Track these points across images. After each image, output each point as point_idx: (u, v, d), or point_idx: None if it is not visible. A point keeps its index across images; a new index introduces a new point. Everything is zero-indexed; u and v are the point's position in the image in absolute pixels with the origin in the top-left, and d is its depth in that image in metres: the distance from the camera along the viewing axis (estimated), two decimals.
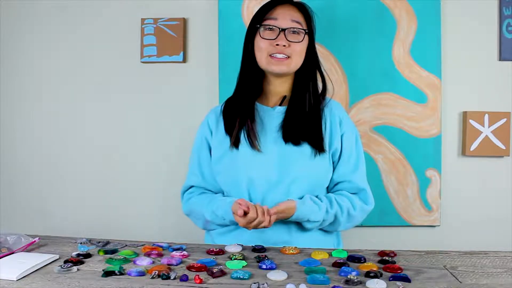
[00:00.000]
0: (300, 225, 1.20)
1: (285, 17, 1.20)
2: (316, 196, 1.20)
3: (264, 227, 1.10)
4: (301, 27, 1.21)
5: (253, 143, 1.19)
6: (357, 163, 1.26)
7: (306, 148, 1.20)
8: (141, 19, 1.65)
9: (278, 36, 1.19)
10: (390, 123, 1.61)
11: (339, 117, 1.26)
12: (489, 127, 1.60)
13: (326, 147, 1.21)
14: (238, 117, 1.22)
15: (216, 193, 1.29)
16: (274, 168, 1.19)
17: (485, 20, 1.61)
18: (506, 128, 1.59)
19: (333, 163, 1.25)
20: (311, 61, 1.26)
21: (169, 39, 1.64)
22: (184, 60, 1.66)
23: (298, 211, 1.14)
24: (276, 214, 1.11)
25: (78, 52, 1.70)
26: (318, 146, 1.20)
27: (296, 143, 1.19)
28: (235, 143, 1.21)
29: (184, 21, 1.66)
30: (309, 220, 1.17)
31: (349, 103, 1.61)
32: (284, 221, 1.17)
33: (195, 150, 1.32)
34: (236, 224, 1.20)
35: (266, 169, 1.19)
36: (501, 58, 1.60)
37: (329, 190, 1.28)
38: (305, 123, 1.21)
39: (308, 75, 1.25)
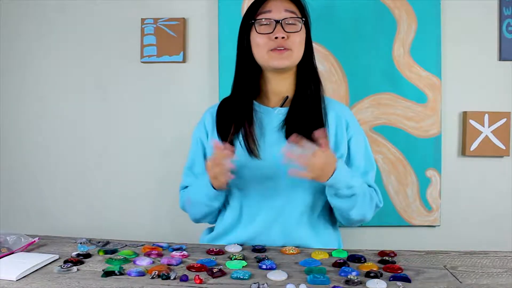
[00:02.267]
0: (292, 224, 1.15)
1: (278, 8, 1.15)
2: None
3: None
4: (296, 16, 1.16)
5: (251, 149, 1.14)
6: (367, 168, 1.21)
7: None
8: (141, 19, 1.65)
9: (274, 28, 1.13)
10: (390, 123, 1.61)
11: (346, 120, 1.21)
12: (489, 127, 1.60)
13: (330, 145, 1.16)
14: (234, 122, 1.17)
15: None
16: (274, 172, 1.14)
17: (485, 20, 1.61)
18: (506, 128, 1.59)
19: None
20: (310, 53, 1.21)
21: (169, 39, 1.64)
22: (184, 60, 1.66)
23: (338, 165, 1.05)
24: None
25: (78, 52, 1.70)
26: None
27: None
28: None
29: (184, 21, 1.66)
30: (352, 176, 1.09)
31: (349, 103, 1.60)
32: (282, 222, 1.14)
33: (190, 150, 1.30)
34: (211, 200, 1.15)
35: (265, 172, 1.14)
36: (501, 58, 1.61)
37: None
38: (307, 120, 1.14)
39: (309, 68, 1.21)
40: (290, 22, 1.15)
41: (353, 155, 1.20)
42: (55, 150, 1.72)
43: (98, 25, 1.69)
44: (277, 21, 1.14)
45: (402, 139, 1.60)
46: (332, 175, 1.04)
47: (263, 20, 1.15)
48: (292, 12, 1.16)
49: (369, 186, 1.20)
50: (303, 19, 1.17)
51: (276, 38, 1.13)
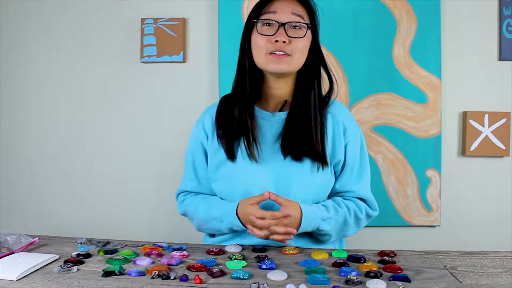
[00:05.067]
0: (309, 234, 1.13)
1: (284, 10, 1.07)
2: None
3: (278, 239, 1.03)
4: (302, 21, 1.08)
5: (251, 154, 1.09)
6: (361, 173, 1.17)
7: (306, 163, 1.10)
8: (141, 19, 1.65)
9: (277, 31, 1.06)
10: (390, 123, 1.61)
11: (343, 124, 1.15)
12: (489, 127, 1.60)
13: (328, 159, 1.11)
14: (233, 127, 1.12)
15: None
16: (272, 182, 1.09)
17: (485, 20, 1.61)
18: (506, 128, 1.59)
19: (335, 172, 1.17)
20: (315, 59, 1.14)
21: (169, 39, 1.64)
22: (184, 60, 1.67)
23: (304, 210, 1.04)
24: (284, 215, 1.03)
25: (78, 52, 1.70)
26: (321, 160, 1.10)
27: (297, 158, 1.09)
28: (231, 156, 1.12)
29: (184, 21, 1.66)
30: (322, 219, 1.07)
31: (349, 103, 1.61)
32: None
33: (189, 153, 1.23)
34: (233, 231, 1.13)
35: (264, 182, 1.09)
36: (501, 58, 1.61)
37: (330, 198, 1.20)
38: (306, 135, 1.09)
39: (312, 75, 1.13)
40: (294, 26, 1.08)
41: (347, 161, 1.16)
42: (55, 150, 1.72)
43: (98, 25, 1.69)
44: (280, 24, 1.06)
45: (402, 139, 1.60)
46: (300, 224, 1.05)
47: (267, 20, 1.08)
48: (299, 15, 1.09)
49: (359, 198, 1.17)
50: (309, 24, 1.10)
51: (276, 41, 1.06)
